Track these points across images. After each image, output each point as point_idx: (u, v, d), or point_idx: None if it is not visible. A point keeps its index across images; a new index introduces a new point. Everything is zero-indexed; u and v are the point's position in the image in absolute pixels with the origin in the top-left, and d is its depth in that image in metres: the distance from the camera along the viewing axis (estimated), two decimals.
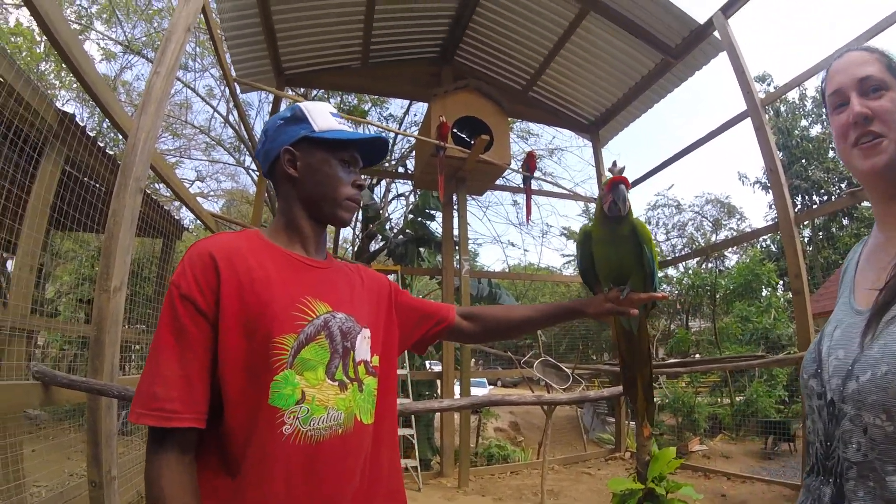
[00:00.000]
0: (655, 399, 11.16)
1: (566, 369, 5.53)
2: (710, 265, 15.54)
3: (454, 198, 7.35)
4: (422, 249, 9.66)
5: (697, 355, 13.76)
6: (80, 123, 3.53)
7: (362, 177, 1.23)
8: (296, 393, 0.99)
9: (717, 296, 12.50)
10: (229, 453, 0.97)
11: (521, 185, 7.53)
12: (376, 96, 10.38)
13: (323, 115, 1.17)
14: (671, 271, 15.79)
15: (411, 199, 11.48)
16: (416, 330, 1.39)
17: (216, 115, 11.94)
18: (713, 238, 15.99)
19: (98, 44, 11.83)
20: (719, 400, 11.28)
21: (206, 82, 11.35)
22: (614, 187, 1.41)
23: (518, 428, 14.06)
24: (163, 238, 6.00)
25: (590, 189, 9.38)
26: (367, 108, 10.80)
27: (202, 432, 0.98)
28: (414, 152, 9.57)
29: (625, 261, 1.49)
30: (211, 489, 0.96)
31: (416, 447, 6.43)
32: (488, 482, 6.47)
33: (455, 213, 7.37)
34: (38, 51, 10.24)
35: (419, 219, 9.49)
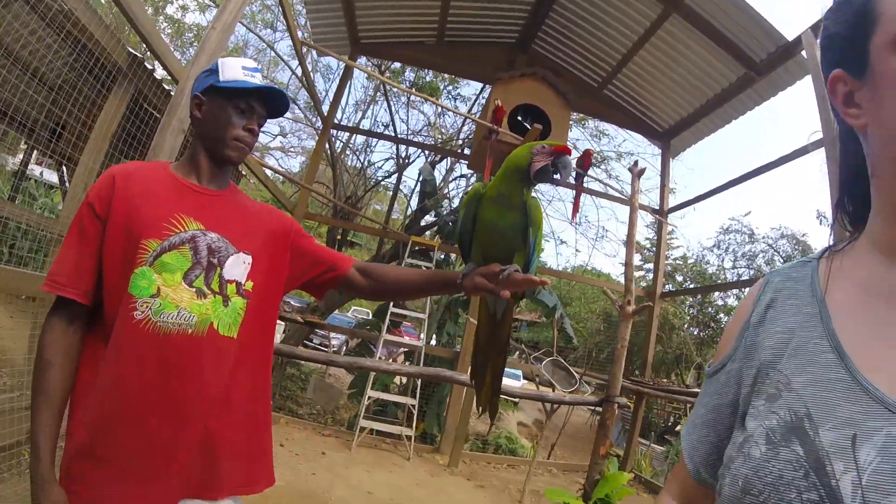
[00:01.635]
0: (679, 426, 10.74)
1: (576, 374, 5.42)
2: None
3: None
4: None
5: None
6: (148, 67, 3.81)
7: (257, 124, 1.38)
8: (151, 287, 1.19)
9: None
10: (106, 330, 1.21)
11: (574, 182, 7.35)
12: (451, 76, 10.37)
13: (232, 68, 1.34)
14: (731, 300, 15.11)
15: (472, 180, 11.42)
16: (306, 273, 1.52)
17: (294, 75, 12.25)
18: None
19: None
20: None
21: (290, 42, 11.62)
22: (561, 154, 1.32)
23: (541, 426, 13.98)
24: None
25: (654, 199, 9.00)
26: (442, 87, 10.82)
27: (95, 310, 1.25)
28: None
29: (510, 236, 1.40)
30: (91, 355, 1.23)
31: (416, 417, 6.57)
32: (481, 469, 6.48)
33: None
34: None
35: None
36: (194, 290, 1.23)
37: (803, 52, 5.54)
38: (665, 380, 12.76)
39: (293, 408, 8.63)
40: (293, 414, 7.82)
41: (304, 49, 7.53)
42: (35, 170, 11.99)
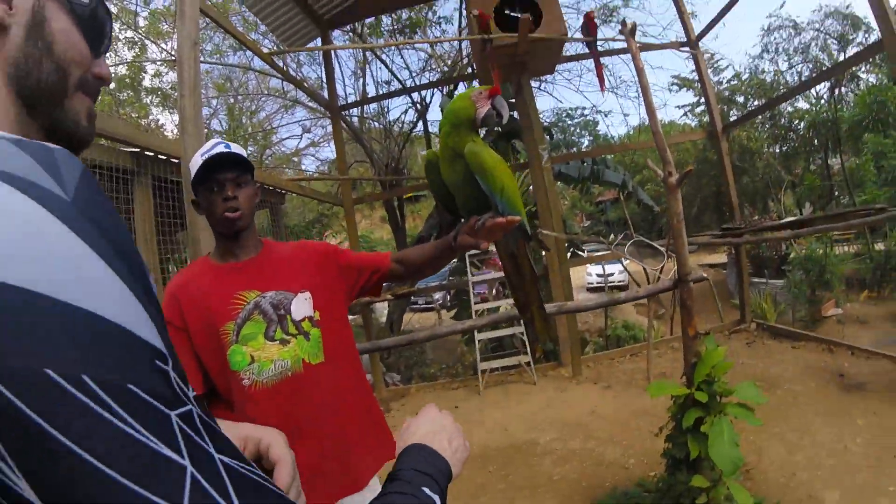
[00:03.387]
0: (792, 254, 9.94)
1: (660, 248, 5.14)
2: (842, 91, 13.38)
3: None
4: (515, 142, 9.23)
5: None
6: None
7: (230, 192, 1.49)
8: (245, 358, 1.44)
9: (842, 130, 10.48)
10: (225, 401, 1.48)
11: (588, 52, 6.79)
12: (423, 3, 9.67)
13: (195, 163, 1.47)
14: (801, 103, 13.90)
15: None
16: (357, 282, 1.70)
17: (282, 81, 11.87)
18: (840, 58, 13.41)
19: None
20: (865, 249, 9.47)
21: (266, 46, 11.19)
22: (495, 97, 1.40)
23: (659, 300, 13.68)
24: (269, 207, 6.47)
25: (677, 32, 8.15)
26: (424, 17, 10.25)
27: (215, 392, 1.50)
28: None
29: (469, 188, 1.44)
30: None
31: (528, 344, 6.54)
32: (605, 368, 6.33)
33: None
34: None
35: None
36: (277, 342, 1.46)
37: None
38: (758, 217, 11.94)
39: (424, 371, 9.00)
40: (423, 378, 8.11)
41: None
42: None
